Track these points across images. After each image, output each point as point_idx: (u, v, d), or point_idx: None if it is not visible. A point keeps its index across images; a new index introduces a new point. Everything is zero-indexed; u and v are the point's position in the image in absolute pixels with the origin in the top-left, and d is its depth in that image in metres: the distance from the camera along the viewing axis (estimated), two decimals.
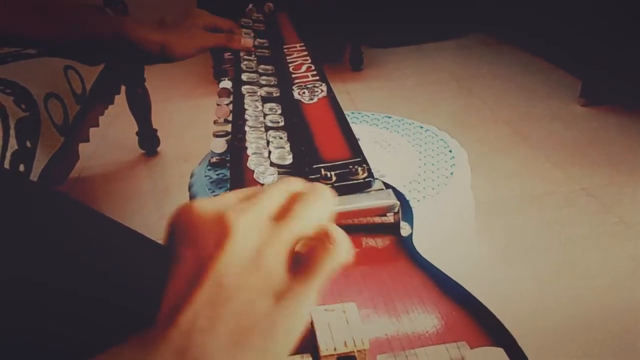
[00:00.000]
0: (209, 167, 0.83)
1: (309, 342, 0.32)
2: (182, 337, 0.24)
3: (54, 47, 0.70)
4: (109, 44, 0.66)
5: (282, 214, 0.28)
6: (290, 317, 0.26)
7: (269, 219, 0.28)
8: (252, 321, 0.25)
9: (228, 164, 0.68)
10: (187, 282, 0.25)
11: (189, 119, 1.96)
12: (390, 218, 0.48)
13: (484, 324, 0.38)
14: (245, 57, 0.75)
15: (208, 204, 0.27)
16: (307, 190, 0.30)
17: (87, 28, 0.66)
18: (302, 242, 0.28)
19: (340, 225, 0.29)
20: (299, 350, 0.31)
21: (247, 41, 0.76)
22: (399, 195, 0.48)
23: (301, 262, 0.27)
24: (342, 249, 0.27)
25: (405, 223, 0.48)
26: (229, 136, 0.66)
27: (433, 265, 0.44)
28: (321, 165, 0.51)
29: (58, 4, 0.66)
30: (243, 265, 0.26)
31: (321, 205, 0.29)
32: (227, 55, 0.76)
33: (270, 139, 0.57)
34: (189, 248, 0.26)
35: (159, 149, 1.84)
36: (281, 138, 0.57)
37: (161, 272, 0.50)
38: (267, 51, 0.78)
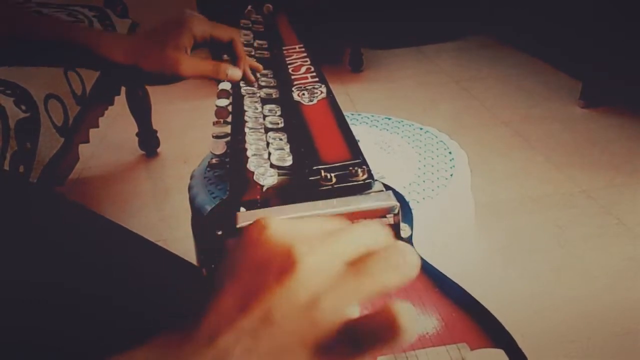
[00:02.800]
0: (208, 169, 0.83)
1: None
2: (216, 358, 0.23)
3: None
4: (74, 52, 0.60)
5: (357, 265, 0.25)
6: None
7: (341, 265, 0.25)
8: None
9: (227, 166, 0.68)
10: (236, 305, 0.24)
11: (189, 120, 1.96)
12: (390, 219, 0.48)
13: (484, 326, 0.37)
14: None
15: (285, 228, 0.26)
16: (389, 247, 0.26)
17: (40, 30, 0.60)
18: (362, 309, 0.25)
19: None
20: None
21: (235, 74, 0.66)
22: (398, 196, 0.48)
23: (356, 331, 0.24)
24: (404, 334, 0.24)
25: (405, 224, 0.48)
26: (229, 138, 0.66)
27: (433, 267, 0.44)
28: (321, 166, 0.51)
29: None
30: (297, 308, 0.24)
31: (399, 269, 0.26)
32: (225, 57, 0.76)
33: (270, 141, 0.57)
34: (249, 269, 0.25)
35: (158, 150, 1.84)
36: (281, 139, 0.57)
37: (161, 273, 0.50)
38: (266, 53, 0.78)
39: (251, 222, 0.26)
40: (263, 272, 0.25)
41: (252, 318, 0.24)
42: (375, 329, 0.24)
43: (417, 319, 0.25)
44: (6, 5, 0.60)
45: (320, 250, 0.25)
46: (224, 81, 0.66)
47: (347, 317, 0.25)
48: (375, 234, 0.28)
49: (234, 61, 0.70)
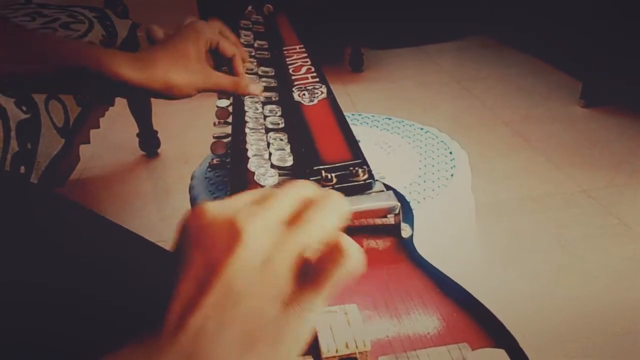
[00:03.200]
0: (209, 169, 0.83)
1: (310, 344, 0.32)
2: (190, 341, 0.24)
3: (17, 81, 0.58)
4: (83, 76, 0.56)
5: (294, 219, 0.28)
6: (297, 324, 0.26)
7: (279, 224, 0.27)
8: (260, 327, 0.25)
9: (228, 166, 0.68)
10: (196, 285, 0.25)
11: (190, 121, 1.96)
12: (391, 219, 0.48)
13: (485, 325, 0.38)
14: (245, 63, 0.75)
15: (219, 207, 0.27)
16: (319, 197, 0.29)
17: (55, 59, 0.55)
18: (312, 249, 0.27)
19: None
20: (301, 353, 0.31)
21: (257, 89, 0.65)
22: (399, 196, 0.48)
23: (310, 269, 0.27)
24: (353, 259, 0.27)
25: (406, 224, 0.48)
26: (229, 138, 0.66)
27: (434, 267, 0.44)
28: (322, 167, 0.51)
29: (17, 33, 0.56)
30: (253, 271, 0.25)
31: (333, 213, 0.29)
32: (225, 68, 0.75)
33: (271, 141, 0.57)
34: (199, 251, 0.26)
35: (159, 150, 1.84)
36: (281, 140, 0.57)
37: (160, 273, 0.50)
38: (266, 53, 0.78)
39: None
40: (213, 249, 0.26)
41: (214, 293, 0.25)
42: (327, 260, 0.27)
43: (358, 247, 0.27)
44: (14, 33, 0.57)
45: (259, 215, 0.27)
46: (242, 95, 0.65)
47: (300, 263, 0.27)
48: (304, 188, 0.30)
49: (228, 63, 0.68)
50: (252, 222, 0.26)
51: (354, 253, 0.27)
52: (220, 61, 0.67)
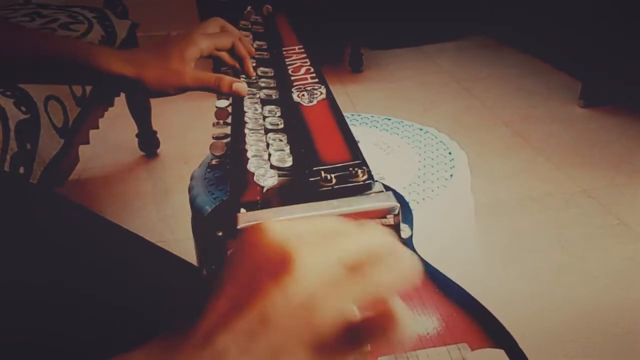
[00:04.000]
0: (208, 169, 0.83)
1: None
2: (212, 359, 0.23)
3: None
4: (72, 68, 0.59)
5: (357, 267, 0.25)
6: None
7: (338, 266, 0.25)
8: None
9: (228, 166, 0.68)
10: (232, 306, 0.24)
11: (189, 121, 1.96)
12: (390, 220, 0.48)
13: (484, 326, 0.38)
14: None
15: (283, 229, 0.26)
16: (392, 252, 0.26)
17: (39, 48, 0.58)
18: (364, 309, 0.25)
19: None
20: None
21: (241, 87, 0.63)
22: (399, 197, 0.48)
23: (355, 329, 0.25)
24: (400, 332, 0.24)
25: (406, 225, 0.48)
26: (229, 139, 0.66)
27: (433, 267, 0.44)
28: (321, 167, 0.51)
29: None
30: (294, 307, 0.24)
31: (401, 277, 0.26)
32: (224, 68, 0.76)
33: (270, 142, 0.57)
34: (244, 270, 0.25)
35: (158, 150, 1.84)
36: (281, 140, 0.57)
37: (160, 273, 0.50)
38: (266, 53, 0.78)
39: (252, 223, 0.27)
40: (260, 273, 0.25)
41: (248, 319, 0.24)
42: (372, 326, 0.24)
43: (413, 317, 0.25)
44: (6, 28, 0.59)
45: (318, 251, 0.25)
46: (225, 94, 0.65)
47: (345, 317, 0.25)
48: (375, 236, 0.27)
49: (239, 62, 0.70)
50: (309, 253, 0.25)
51: (405, 325, 0.24)
52: (219, 65, 0.68)
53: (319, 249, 0.25)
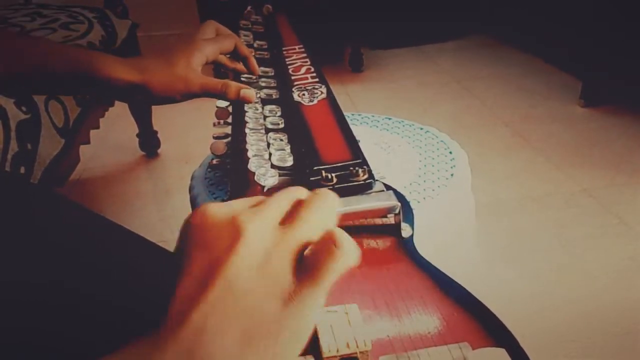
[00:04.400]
0: (209, 169, 0.83)
1: (311, 344, 0.32)
2: (191, 337, 0.24)
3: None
4: (74, 79, 0.57)
5: (289, 219, 0.29)
6: (298, 320, 0.26)
7: (276, 224, 0.28)
8: (260, 324, 0.25)
9: (228, 166, 0.68)
10: (197, 283, 0.26)
11: (190, 121, 1.96)
12: (391, 219, 0.49)
13: (485, 325, 0.38)
14: None
15: (220, 209, 0.28)
16: (311, 196, 0.30)
17: (41, 61, 0.57)
18: (309, 246, 0.28)
19: (342, 227, 0.29)
20: (302, 352, 0.31)
21: (249, 94, 0.62)
22: (399, 196, 0.48)
23: (308, 266, 0.27)
24: (348, 252, 0.27)
25: (406, 224, 0.48)
26: (229, 138, 0.66)
27: (434, 266, 0.44)
28: (322, 167, 0.51)
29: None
30: (252, 269, 0.26)
31: (326, 209, 0.30)
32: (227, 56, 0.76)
33: (271, 141, 0.57)
34: (200, 250, 0.27)
35: (159, 150, 1.84)
36: (281, 140, 0.57)
37: (161, 273, 0.50)
38: (266, 53, 0.78)
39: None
40: (214, 248, 0.26)
41: (215, 291, 0.25)
42: (323, 254, 0.27)
43: (348, 237, 0.28)
44: (11, 39, 0.59)
45: (257, 216, 0.28)
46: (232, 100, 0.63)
47: (297, 260, 0.27)
48: (297, 191, 0.31)
49: (244, 62, 0.69)
50: (251, 222, 0.27)
51: (348, 245, 0.27)
52: (220, 71, 0.68)
53: (256, 216, 0.28)
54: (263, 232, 0.27)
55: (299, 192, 0.31)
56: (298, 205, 0.30)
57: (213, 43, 0.63)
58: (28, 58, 0.57)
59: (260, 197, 0.31)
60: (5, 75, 0.56)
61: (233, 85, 0.61)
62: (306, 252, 0.28)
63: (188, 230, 0.28)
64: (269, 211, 0.29)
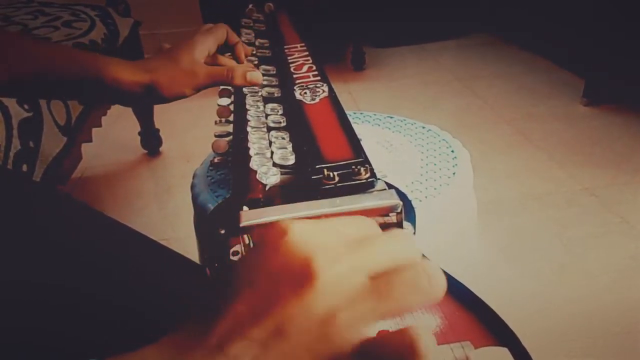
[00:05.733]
0: (211, 168, 0.83)
1: None
2: None
3: None
4: (81, 83, 0.57)
5: (380, 283, 0.24)
6: None
7: (363, 280, 0.24)
8: None
9: (230, 165, 0.68)
10: (249, 313, 0.24)
11: (192, 119, 1.96)
12: (393, 218, 0.48)
13: (487, 324, 0.38)
14: (247, 58, 0.75)
15: (306, 233, 0.25)
16: (418, 267, 0.25)
17: (46, 65, 0.56)
18: (381, 327, 0.25)
19: None
20: None
21: (256, 76, 0.63)
22: (401, 195, 0.48)
23: (370, 350, 0.24)
24: None
25: (408, 223, 0.48)
26: (231, 137, 0.66)
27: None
28: (324, 165, 0.51)
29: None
30: (313, 322, 0.23)
31: (424, 293, 0.25)
32: (227, 56, 0.76)
33: (273, 140, 0.57)
34: (265, 277, 0.24)
35: (161, 149, 1.84)
36: (283, 138, 0.57)
37: (162, 272, 0.50)
38: (267, 51, 0.78)
39: (269, 222, 0.26)
40: (280, 282, 0.24)
41: (264, 328, 0.23)
42: (391, 351, 0.24)
43: (435, 345, 0.24)
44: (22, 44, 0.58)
45: (342, 262, 0.24)
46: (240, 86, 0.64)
47: (364, 336, 0.24)
48: (402, 246, 0.27)
49: (231, 49, 0.69)
50: (333, 267, 0.24)
51: (425, 352, 0.23)
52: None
53: (343, 259, 0.24)
54: (342, 285, 0.23)
55: (406, 250, 0.26)
56: (400, 270, 0.25)
57: (210, 34, 0.63)
58: (33, 61, 0.56)
59: (362, 227, 0.26)
60: (8, 79, 0.55)
61: (239, 69, 0.61)
62: (377, 330, 0.24)
63: (262, 245, 0.25)
64: (362, 261, 0.24)
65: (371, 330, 0.24)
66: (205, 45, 0.62)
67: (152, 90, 0.57)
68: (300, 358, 0.23)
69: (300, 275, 0.23)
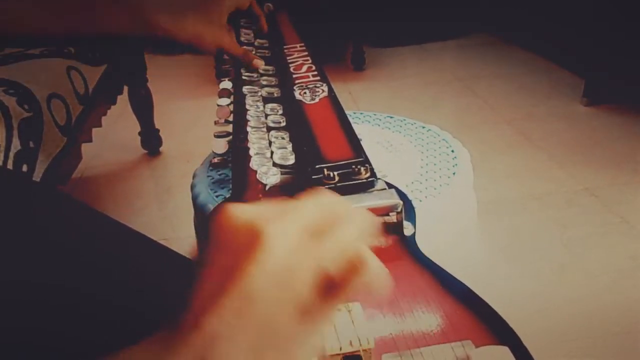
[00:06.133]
0: (211, 168, 0.83)
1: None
2: (204, 342, 0.24)
3: (63, 42, 0.68)
4: (134, 38, 0.66)
5: (318, 230, 0.27)
6: (311, 335, 0.26)
7: (304, 232, 0.27)
8: (274, 335, 0.25)
9: (230, 165, 0.68)
10: (214, 287, 0.25)
11: (192, 119, 1.96)
12: (393, 218, 0.48)
13: (488, 323, 0.38)
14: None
15: (245, 210, 0.27)
16: (347, 212, 0.29)
17: (108, 24, 0.63)
18: (334, 263, 0.27)
19: None
20: None
21: (259, 63, 0.73)
22: (401, 195, 0.48)
23: (330, 282, 0.27)
24: (375, 275, 0.27)
25: (408, 223, 0.48)
26: (231, 137, 0.66)
27: (436, 265, 0.44)
28: (324, 165, 0.51)
29: None
30: (271, 277, 0.25)
31: (360, 230, 0.28)
32: (227, 56, 0.76)
33: (272, 139, 0.57)
34: (219, 253, 0.26)
35: (161, 149, 1.84)
36: (283, 138, 0.57)
37: (163, 272, 0.50)
38: (267, 51, 0.78)
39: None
40: (234, 252, 0.26)
41: (232, 297, 0.25)
42: (350, 276, 0.26)
43: (380, 264, 0.27)
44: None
45: (283, 221, 0.27)
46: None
47: (320, 275, 0.26)
48: (331, 202, 0.30)
49: (254, 20, 0.80)
50: (275, 226, 0.26)
51: (376, 269, 0.26)
52: (222, 58, 0.74)
53: (282, 220, 0.27)
54: (287, 239, 0.26)
55: (334, 203, 0.30)
56: (331, 218, 0.28)
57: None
58: (88, 18, 0.63)
59: (291, 201, 0.29)
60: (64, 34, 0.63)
61: (250, 55, 0.73)
62: (330, 267, 0.27)
63: (210, 230, 0.27)
64: (296, 217, 0.27)
65: (325, 269, 0.27)
66: (229, 3, 0.71)
67: (194, 43, 0.66)
68: (272, 313, 0.25)
69: (249, 239, 0.26)
